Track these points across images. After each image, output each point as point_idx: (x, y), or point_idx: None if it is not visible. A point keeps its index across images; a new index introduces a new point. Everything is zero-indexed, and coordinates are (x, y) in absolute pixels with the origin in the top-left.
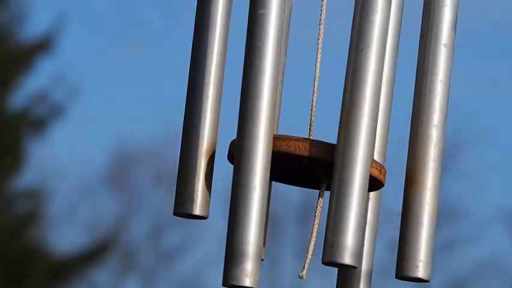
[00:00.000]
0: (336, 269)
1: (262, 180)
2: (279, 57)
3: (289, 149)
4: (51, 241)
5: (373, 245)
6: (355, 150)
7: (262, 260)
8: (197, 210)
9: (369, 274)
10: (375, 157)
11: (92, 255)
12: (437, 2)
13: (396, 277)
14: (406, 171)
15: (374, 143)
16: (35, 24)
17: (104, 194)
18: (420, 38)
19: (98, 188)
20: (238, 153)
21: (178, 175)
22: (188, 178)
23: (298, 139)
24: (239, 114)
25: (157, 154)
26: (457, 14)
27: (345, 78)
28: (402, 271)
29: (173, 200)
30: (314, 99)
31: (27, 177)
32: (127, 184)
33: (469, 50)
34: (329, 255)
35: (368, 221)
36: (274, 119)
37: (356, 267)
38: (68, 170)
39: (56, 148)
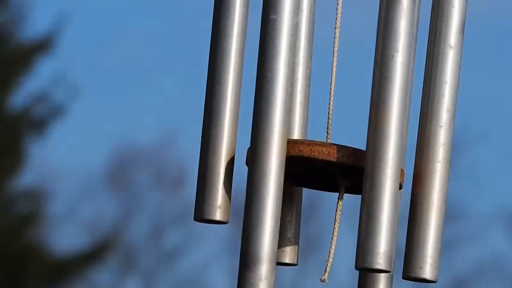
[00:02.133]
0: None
1: (276, 185)
2: (292, 63)
3: (312, 154)
4: (51, 241)
5: (394, 245)
6: (386, 155)
7: (296, 265)
8: (220, 215)
9: (391, 275)
10: None
11: (92, 255)
12: (445, 4)
13: (402, 277)
14: (413, 171)
15: (403, 147)
16: (35, 24)
17: (104, 194)
18: (428, 39)
19: (98, 188)
20: (252, 158)
21: (198, 181)
22: (210, 184)
23: (322, 144)
24: (252, 120)
25: (157, 154)
26: (465, 16)
27: (372, 83)
28: (408, 272)
29: (194, 206)
30: (331, 103)
31: (27, 177)
32: (127, 184)
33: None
34: (362, 261)
35: None
36: (288, 125)
37: (390, 272)
38: (68, 170)
39: (56, 148)
